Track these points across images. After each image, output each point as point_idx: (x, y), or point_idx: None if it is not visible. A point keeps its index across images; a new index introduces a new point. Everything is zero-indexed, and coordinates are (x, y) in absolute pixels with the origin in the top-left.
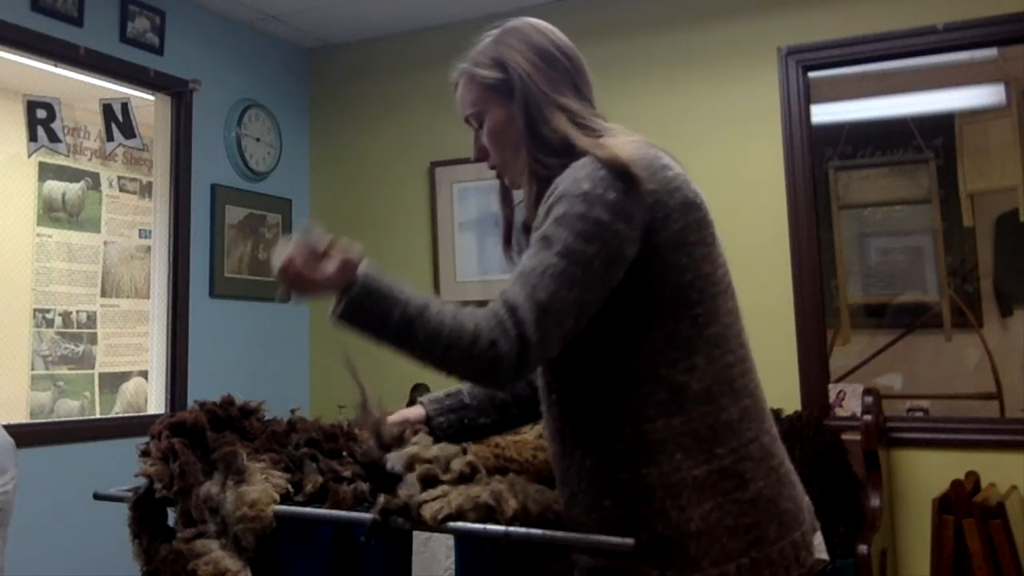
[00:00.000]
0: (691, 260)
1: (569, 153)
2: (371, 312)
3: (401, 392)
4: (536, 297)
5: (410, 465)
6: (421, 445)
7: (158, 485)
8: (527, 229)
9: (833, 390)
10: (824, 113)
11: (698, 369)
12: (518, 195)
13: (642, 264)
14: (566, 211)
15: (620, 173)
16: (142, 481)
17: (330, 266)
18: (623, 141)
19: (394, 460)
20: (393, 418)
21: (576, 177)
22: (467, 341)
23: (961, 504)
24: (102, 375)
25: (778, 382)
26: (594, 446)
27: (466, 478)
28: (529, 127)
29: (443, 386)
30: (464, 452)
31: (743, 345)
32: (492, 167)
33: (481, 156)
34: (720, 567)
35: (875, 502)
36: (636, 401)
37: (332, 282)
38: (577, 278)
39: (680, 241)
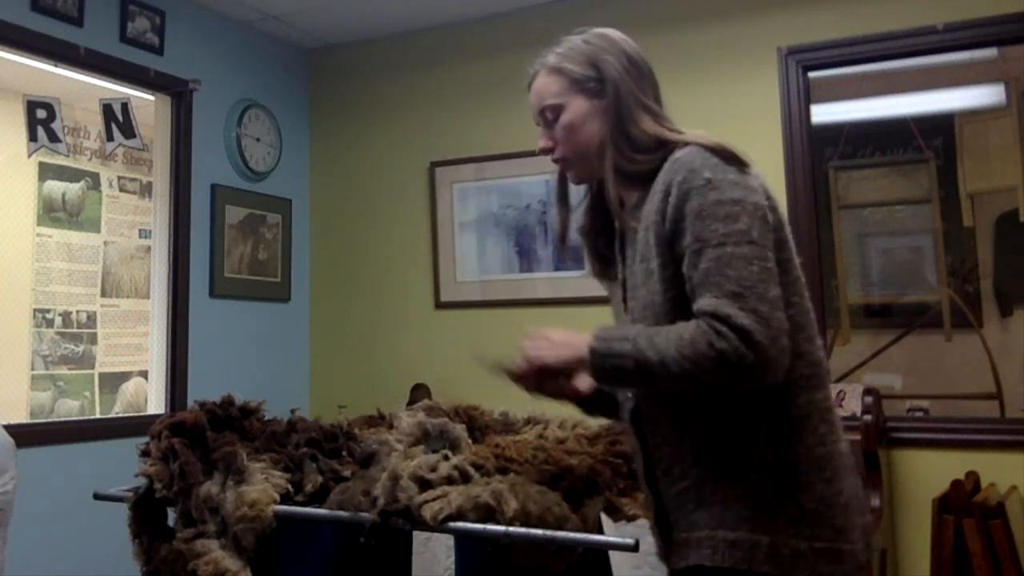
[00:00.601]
0: (792, 246)
1: (658, 149)
2: (614, 362)
3: (401, 392)
4: (726, 290)
5: (394, 477)
6: (396, 459)
7: (158, 485)
8: (586, 234)
9: (833, 390)
10: (824, 113)
11: (820, 349)
12: (573, 197)
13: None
14: (702, 204)
15: (729, 157)
16: (142, 481)
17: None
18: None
19: (379, 488)
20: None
21: (691, 168)
22: (690, 350)
23: (961, 504)
24: (102, 375)
25: None
26: (737, 422)
27: (455, 481)
28: (618, 125)
29: (441, 392)
30: (446, 459)
31: None
32: (558, 160)
33: (548, 148)
34: (859, 542)
35: (875, 502)
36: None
37: (571, 356)
38: (749, 255)
39: (783, 225)
